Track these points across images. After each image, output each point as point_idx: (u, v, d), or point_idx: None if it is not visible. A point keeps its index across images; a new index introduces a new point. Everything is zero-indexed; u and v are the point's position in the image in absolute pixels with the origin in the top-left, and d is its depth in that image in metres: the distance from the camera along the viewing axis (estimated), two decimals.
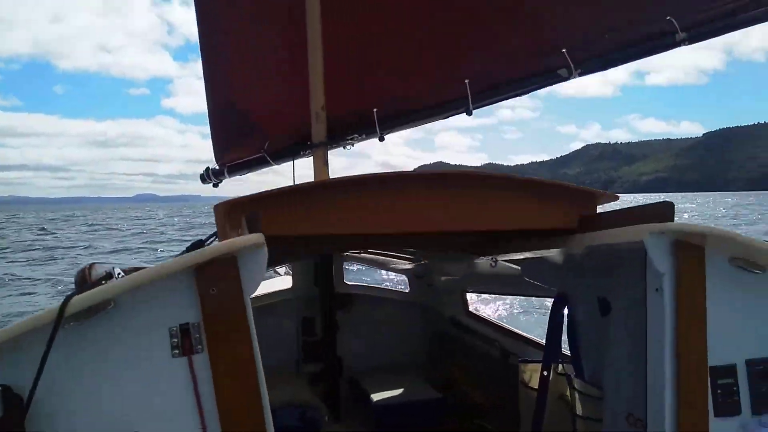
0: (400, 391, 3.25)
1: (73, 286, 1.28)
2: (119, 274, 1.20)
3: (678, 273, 1.41)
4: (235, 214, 1.53)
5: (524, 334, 3.19)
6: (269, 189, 1.52)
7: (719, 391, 1.43)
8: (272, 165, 3.18)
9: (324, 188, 1.62)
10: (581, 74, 2.84)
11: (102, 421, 1.06)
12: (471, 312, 3.74)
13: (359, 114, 2.95)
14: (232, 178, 3.36)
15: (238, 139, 3.30)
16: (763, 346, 1.51)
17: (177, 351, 1.12)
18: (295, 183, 2.03)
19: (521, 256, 2.27)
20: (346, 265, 4.03)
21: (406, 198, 1.63)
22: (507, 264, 2.46)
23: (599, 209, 1.89)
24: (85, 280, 1.11)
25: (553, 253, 2.15)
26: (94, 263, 1.20)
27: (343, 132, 2.95)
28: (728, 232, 1.42)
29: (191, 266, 1.13)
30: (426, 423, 3.02)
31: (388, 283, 5.58)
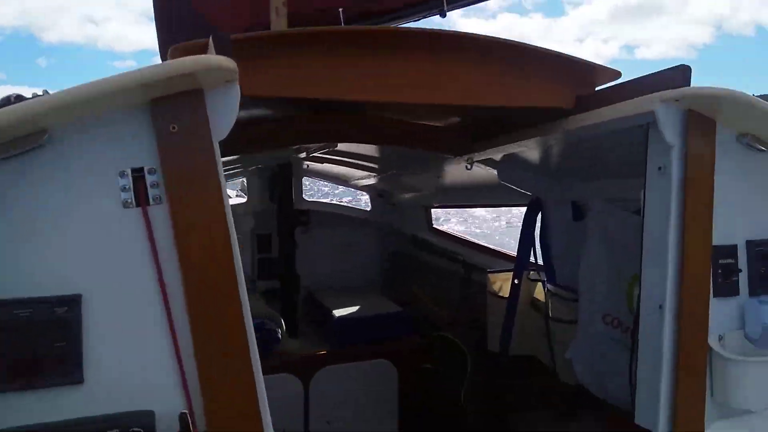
0: (361, 306, 3.23)
1: None
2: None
3: (687, 146, 1.33)
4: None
5: (491, 246, 3.19)
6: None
7: (720, 271, 1.40)
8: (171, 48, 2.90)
9: (317, 38, 1.39)
10: None
11: (37, 280, 0.89)
12: (435, 228, 3.71)
13: (325, 11, 2.71)
14: None
15: (187, 37, 2.98)
16: (763, 227, 1.48)
17: (129, 200, 0.95)
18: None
19: (500, 154, 2.18)
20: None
21: (401, 62, 1.44)
22: (482, 167, 2.37)
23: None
24: (10, 103, 0.88)
25: (534, 150, 2.06)
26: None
27: None
28: (744, 96, 1.33)
29: (143, 94, 0.92)
30: (389, 336, 3.03)
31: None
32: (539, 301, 2.49)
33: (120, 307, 0.95)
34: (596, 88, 1.68)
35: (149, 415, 0.92)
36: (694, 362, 1.35)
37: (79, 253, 0.93)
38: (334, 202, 4.09)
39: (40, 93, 0.90)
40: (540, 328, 2.45)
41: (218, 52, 1.02)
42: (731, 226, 1.44)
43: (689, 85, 1.36)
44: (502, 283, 2.64)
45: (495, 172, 2.35)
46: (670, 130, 1.34)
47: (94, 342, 0.93)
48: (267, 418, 1.01)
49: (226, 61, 0.98)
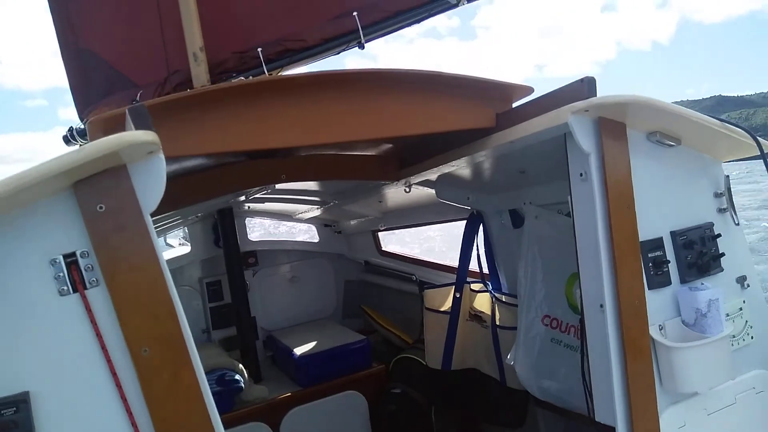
0: (320, 340, 3.19)
1: None
2: None
3: (603, 152, 1.41)
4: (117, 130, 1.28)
5: (442, 262, 3.24)
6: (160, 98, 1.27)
7: (650, 264, 1.47)
8: (90, 120, 2.84)
9: (235, 92, 1.40)
10: (470, 0, 2.85)
11: None
12: (385, 251, 3.72)
13: (243, 55, 2.71)
14: None
15: (104, 92, 2.89)
16: (683, 217, 1.57)
17: (65, 287, 0.93)
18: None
19: (435, 174, 2.23)
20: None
21: (326, 104, 1.47)
22: (420, 188, 2.42)
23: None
24: None
25: (465, 168, 2.13)
26: None
27: (227, 75, 2.70)
28: (648, 99, 1.42)
29: (66, 179, 0.91)
30: (353, 366, 3.00)
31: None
32: (482, 311, 2.53)
33: (72, 400, 0.92)
34: (513, 105, 1.76)
35: None
36: (640, 354, 1.41)
37: (21, 349, 0.91)
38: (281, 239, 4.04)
39: None
40: (482, 339, 2.49)
41: (137, 125, 1.00)
42: (654, 220, 1.52)
43: (596, 96, 1.44)
44: (443, 299, 2.65)
45: (431, 191, 2.40)
46: (584, 138, 1.42)
47: None
48: None
49: (147, 135, 0.96)
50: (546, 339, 2.10)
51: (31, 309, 0.92)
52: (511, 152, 1.77)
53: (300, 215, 3.82)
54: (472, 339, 2.52)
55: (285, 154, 2.20)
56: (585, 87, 1.45)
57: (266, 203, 3.48)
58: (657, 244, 1.51)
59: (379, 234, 3.72)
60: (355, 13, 2.72)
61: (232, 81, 2.47)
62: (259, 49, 2.70)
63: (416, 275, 3.31)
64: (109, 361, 0.94)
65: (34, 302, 0.92)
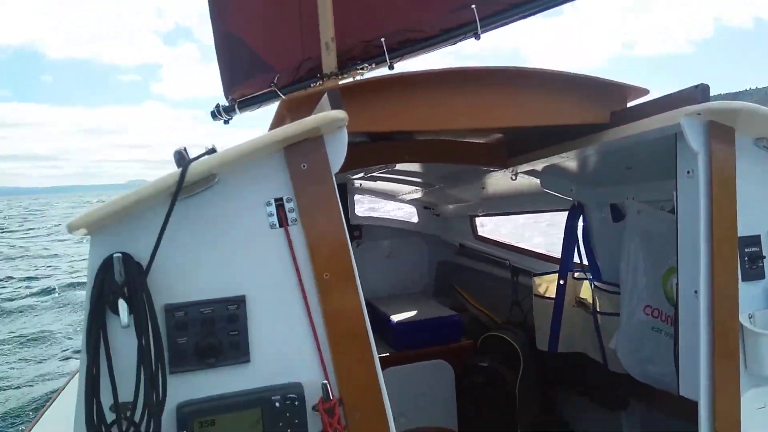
0: (416, 311, 3.44)
1: None
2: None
3: (711, 152, 1.53)
4: (301, 109, 1.60)
5: (536, 250, 3.36)
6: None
7: (746, 258, 1.58)
8: (282, 98, 3.21)
9: (403, 82, 1.68)
10: None
11: (214, 285, 1.18)
12: (480, 236, 3.89)
13: (368, 44, 2.97)
14: (243, 113, 3.38)
15: (246, 74, 3.31)
16: None
17: (275, 223, 1.23)
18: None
19: (542, 165, 2.38)
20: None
21: (468, 94, 1.71)
22: (525, 177, 2.57)
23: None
24: (183, 157, 1.17)
25: (573, 160, 2.26)
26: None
27: (353, 62, 2.98)
28: (758, 108, 1.52)
29: (281, 144, 1.22)
30: (443, 338, 3.22)
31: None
32: (584, 299, 2.65)
33: (273, 304, 1.22)
34: (627, 105, 1.89)
35: (299, 386, 1.21)
36: (727, 337, 1.51)
37: (243, 264, 1.21)
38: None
39: (210, 147, 1.18)
40: (587, 324, 2.60)
41: (333, 105, 1.29)
42: (754, 218, 1.60)
43: (708, 101, 1.55)
44: (548, 285, 2.80)
45: (537, 181, 2.53)
46: (694, 139, 1.53)
47: (256, 331, 1.20)
48: (382, 385, 1.27)
49: (341, 113, 1.24)
50: (647, 327, 2.21)
51: (252, 236, 1.23)
52: (620, 148, 1.89)
53: (403, 196, 4.08)
54: (577, 324, 2.65)
55: (405, 138, 2.44)
56: (699, 93, 1.58)
57: (377, 182, 3.77)
58: (754, 240, 1.59)
59: (476, 219, 3.88)
60: (473, 6, 2.87)
61: (361, 72, 2.72)
62: (383, 39, 2.95)
63: (510, 261, 3.45)
64: (300, 279, 1.24)
65: (253, 231, 1.23)
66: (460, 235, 4.02)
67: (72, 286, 13.61)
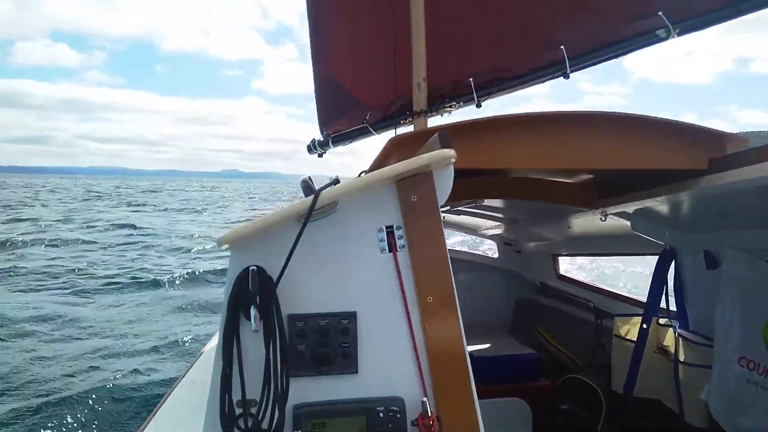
0: (492, 346, 3.43)
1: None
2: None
3: None
4: (405, 146, 1.75)
5: (621, 293, 3.26)
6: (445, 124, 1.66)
7: None
8: (373, 134, 3.40)
9: (505, 123, 1.80)
10: (680, 34, 2.85)
11: (330, 300, 1.31)
12: (563, 275, 3.82)
13: (456, 83, 3.10)
14: (336, 148, 3.61)
15: (340, 112, 3.54)
16: None
17: (385, 248, 1.34)
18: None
19: (633, 207, 2.35)
20: None
21: (565, 136, 1.79)
22: (614, 218, 2.54)
23: None
24: (309, 187, 1.33)
25: (665, 204, 2.23)
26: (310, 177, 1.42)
27: (441, 100, 3.11)
28: None
29: (395, 178, 1.34)
30: (521, 378, 3.18)
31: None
32: (667, 346, 2.55)
33: (380, 322, 1.33)
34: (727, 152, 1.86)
35: (401, 400, 1.29)
36: None
37: (355, 283, 1.33)
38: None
39: (334, 178, 1.35)
40: (666, 372, 2.49)
41: (442, 144, 1.40)
42: None
43: None
44: (630, 328, 2.72)
45: (627, 223, 2.50)
46: None
47: (364, 345, 1.31)
48: (478, 409, 1.33)
49: (451, 152, 1.35)
50: (742, 379, 2.10)
51: (364, 258, 1.35)
52: (719, 195, 1.87)
53: (484, 231, 4.11)
54: (656, 371, 2.56)
55: (493, 174, 2.51)
56: None
57: (461, 216, 3.84)
58: None
59: (559, 258, 3.83)
60: (562, 47, 2.92)
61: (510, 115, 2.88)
62: (471, 79, 3.07)
63: (593, 302, 3.37)
64: (405, 301, 1.33)
65: (366, 254, 1.35)
66: (541, 273, 3.97)
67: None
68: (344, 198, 1.33)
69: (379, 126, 3.31)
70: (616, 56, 2.99)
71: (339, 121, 3.50)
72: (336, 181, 1.34)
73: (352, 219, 1.34)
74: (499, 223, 3.80)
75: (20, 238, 20.64)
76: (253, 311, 1.22)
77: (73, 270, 15.49)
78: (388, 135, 3.37)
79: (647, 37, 2.87)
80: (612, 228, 2.73)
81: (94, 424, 6.67)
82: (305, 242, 1.27)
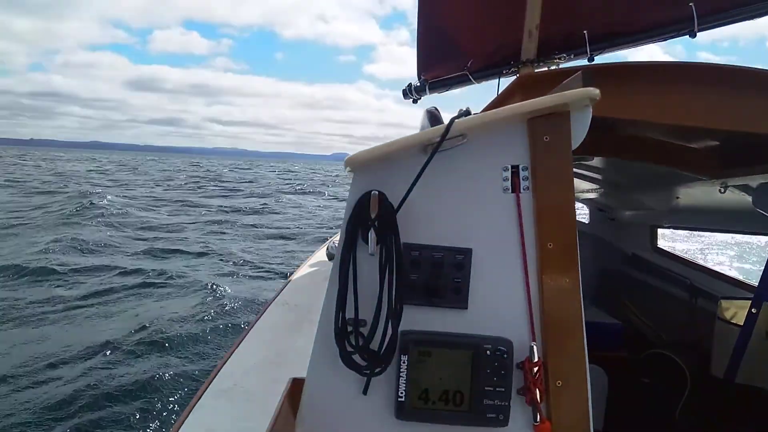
0: None
1: None
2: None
3: None
4: (534, 86, 1.67)
5: (725, 272, 3.07)
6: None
7: None
8: (473, 83, 3.32)
9: (650, 70, 1.68)
10: None
11: (446, 233, 1.31)
12: (660, 248, 3.64)
13: (569, 34, 2.93)
14: (432, 94, 3.56)
15: (440, 58, 3.47)
16: None
17: (507, 188, 1.31)
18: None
19: (758, 181, 2.17)
20: None
21: (703, 89, 1.64)
22: (736, 191, 2.36)
23: None
24: (435, 117, 1.31)
25: None
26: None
27: (550, 52, 2.96)
28: None
29: (527, 115, 1.30)
30: (600, 344, 3.10)
31: None
32: None
33: (495, 263, 1.31)
34: None
35: (509, 342, 1.28)
36: None
37: (474, 219, 1.32)
38: None
39: (465, 109, 1.33)
40: None
41: (585, 84, 1.32)
42: None
43: None
44: (736, 311, 2.57)
45: (746, 197, 2.31)
46: None
47: (476, 282, 1.31)
48: (586, 362, 1.29)
49: (595, 91, 1.26)
50: None
51: (485, 196, 1.32)
52: None
53: (578, 194, 3.95)
54: (763, 358, 2.42)
55: (611, 128, 2.36)
56: None
57: None
58: None
59: (658, 230, 3.64)
60: (691, 4, 2.69)
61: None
62: (585, 32, 2.89)
63: (690, 279, 3.20)
64: (523, 245, 1.31)
65: (488, 192, 1.32)
66: (635, 243, 3.80)
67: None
68: (472, 131, 1.29)
69: (481, 74, 3.21)
70: (752, 17, 2.72)
71: (438, 67, 3.43)
72: (467, 113, 1.30)
73: (478, 154, 1.30)
74: (596, 186, 3.64)
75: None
76: (371, 235, 1.24)
77: None
78: (488, 84, 3.27)
79: None
80: (728, 202, 2.54)
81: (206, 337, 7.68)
82: (428, 173, 1.25)
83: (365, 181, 1.28)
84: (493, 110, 1.30)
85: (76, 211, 19.69)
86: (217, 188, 39.99)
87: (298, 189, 42.59)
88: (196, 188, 39.26)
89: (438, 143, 1.24)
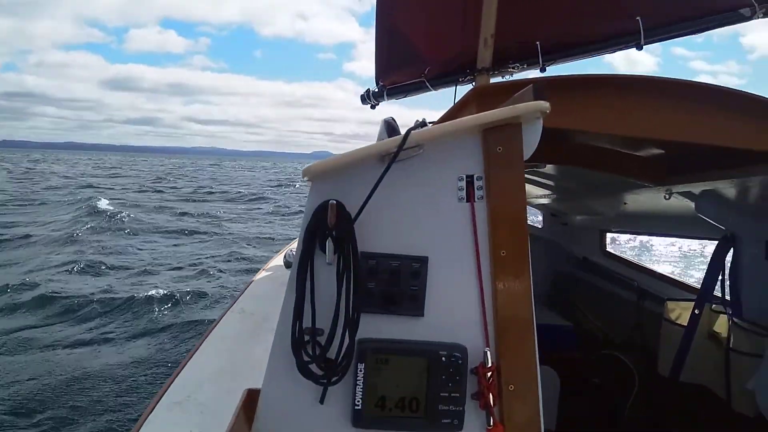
0: None
1: None
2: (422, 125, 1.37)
3: None
4: (488, 96, 1.71)
5: (670, 275, 3.21)
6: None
7: None
8: (430, 90, 3.35)
9: (597, 83, 1.71)
10: (766, 15, 2.71)
11: (402, 242, 1.32)
12: (609, 252, 3.77)
13: (523, 44, 3.01)
14: (389, 101, 3.57)
15: (399, 64, 3.49)
16: None
17: (463, 197, 1.33)
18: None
19: (700, 188, 2.28)
20: None
21: (649, 102, 1.70)
22: (679, 197, 2.47)
23: None
24: (392, 127, 1.31)
25: (737, 189, 2.15)
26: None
27: (505, 61, 3.03)
28: None
29: (482, 126, 1.32)
30: (552, 346, 3.18)
31: None
32: (718, 333, 2.52)
33: (450, 270, 1.33)
34: None
35: (464, 348, 1.30)
36: None
37: (431, 228, 1.33)
38: None
39: (421, 120, 1.33)
40: (716, 359, 2.47)
41: (536, 97, 1.35)
42: None
43: None
44: (681, 312, 2.69)
45: (689, 204, 2.43)
46: None
47: (432, 289, 1.32)
48: (537, 366, 1.32)
49: (546, 104, 1.31)
50: None
51: (441, 205, 1.34)
52: None
53: (531, 199, 4.06)
54: (705, 357, 2.54)
55: (561, 138, 2.43)
56: None
57: None
58: None
59: (606, 234, 3.77)
60: (638, 18, 2.81)
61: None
62: (538, 43, 2.97)
63: (637, 282, 3.33)
64: (477, 252, 1.33)
65: (443, 201, 1.34)
66: (585, 247, 3.92)
67: None
68: (429, 142, 1.31)
69: (438, 82, 3.25)
70: (695, 31, 2.86)
71: (396, 73, 3.45)
72: (423, 124, 1.32)
73: (434, 164, 1.32)
74: (549, 192, 3.74)
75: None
76: (329, 244, 1.25)
77: None
78: (444, 93, 3.32)
79: (728, 16, 2.74)
80: (672, 208, 2.66)
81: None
82: (385, 182, 1.26)
83: (323, 190, 1.28)
84: (449, 122, 1.33)
85: None
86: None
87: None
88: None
89: (395, 154, 1.26)
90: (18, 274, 11.19)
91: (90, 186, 38.91)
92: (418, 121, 1.34)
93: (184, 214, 24.23)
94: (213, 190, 41.31)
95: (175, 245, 15.95)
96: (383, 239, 1.31)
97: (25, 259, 13.00)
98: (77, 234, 16.04)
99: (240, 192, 40.49)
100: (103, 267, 12.30)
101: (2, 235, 15.81)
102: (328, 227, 1.25)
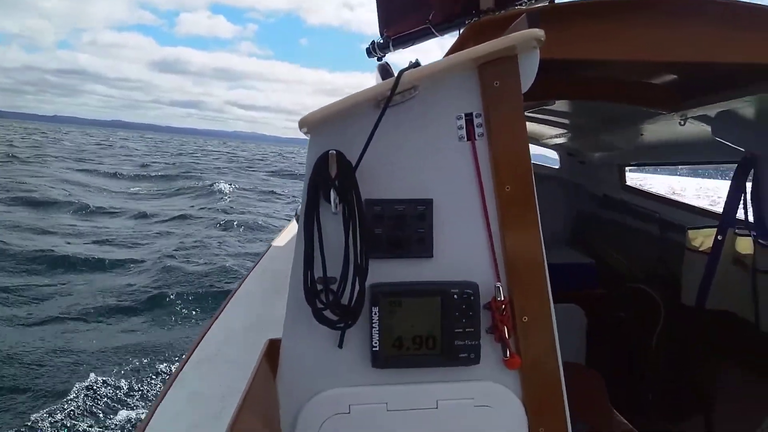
0: (550, 254, 3.43)
1: None
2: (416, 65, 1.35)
3: None
4: (486, 32, 1.59)
5: (692, 203, 3.16)
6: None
7: None
8: (436, 36, 3.28)
9: (602, 7, 1.60)
10: None
11: (406, 186, 1.33)
12: (628, 186, 3.72)
13: None
14: (396, 51, 3.51)
15: (402, 11, 3.41)
16: None
17: (463, 136, 1.33)
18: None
19: (715, 110, 2.21)
20: None
21: (655, 23, 1.59)
22: (695, 122, 2.40)
23: None
24: (387, 71, 1.30)
25: (752, 107, 2.07)
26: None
27: (511, 1, 2.93)
28: None
29: (477, 61, 1.30)
30: (577, 286, 3.19)
31: None
32: (743, 256, 2.48)
33: (456, 210, 1.34)
34: None
35: (475, 284, 1.33)
36: None
37: (433, 169, 1.33)
38: None
39: (414, 61, 1.31)
40: (742, 283, 2.45)
41: (530, 25, 1.32)
42: None
43: None
44: (703, 239, 2.65)
45: (706, 128, 2.36)
46: None
47: (440, 232, 1.34)
48: (549, 295, 1.35)
49: (539, 32, 1.27)
50: None
51: (441, 146, 1.34)
52: None
53: (546, 140, 3.99)
54: (731, 282, 2.52)
55: (567, 71, 2.35)
56: None
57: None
58: None
59: (626, 169, 3.71)
60: None
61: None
62: None
63: (659, 213, 3.28)
64: (482, 190, 1.34)
65: (443, 142, 1.34)
66: (605, 185, 3.87)
67: None
68: (424, 82, 1.29)
69: (443, 26, 3.16)
70: None
71: (400, 21, 3.38)
72: (416, 64, 1.30)
73: (431, 105, 1.31)
74: (564, 131, 3.67)
75: None
76: (332, 194, 1.26)
77: None
78: (453, 37, 3.24)
79: None
80: (689, 134, 2.59)
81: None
82: (383, 128, 1.26)
83: (322, 141, 1.28)
84: (442, 59, 1.30)
85: None
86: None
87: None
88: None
89: (389, 96, 1.25)
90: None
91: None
92: (411, 62, 1.32)
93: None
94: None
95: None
96: (386, 185, 1.32)
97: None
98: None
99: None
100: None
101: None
102: (331, 178, 1.26)
